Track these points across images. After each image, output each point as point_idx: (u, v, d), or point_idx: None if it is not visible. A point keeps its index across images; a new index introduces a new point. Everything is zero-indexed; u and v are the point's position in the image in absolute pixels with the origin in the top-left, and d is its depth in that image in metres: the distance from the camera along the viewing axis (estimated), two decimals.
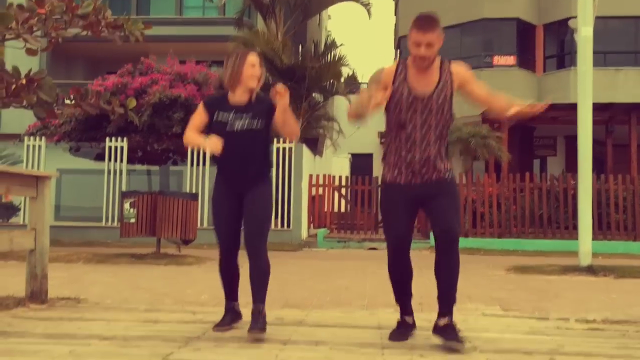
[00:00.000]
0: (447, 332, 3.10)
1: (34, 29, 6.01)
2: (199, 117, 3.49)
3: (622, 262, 8.78)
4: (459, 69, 3.25)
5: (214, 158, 3.47)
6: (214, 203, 3.56)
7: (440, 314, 3.19)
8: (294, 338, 3.35)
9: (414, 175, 3.19)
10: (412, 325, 3.40)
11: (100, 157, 14.29)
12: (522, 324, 3.96)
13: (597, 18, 15.84)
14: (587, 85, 7.68)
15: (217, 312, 3.84)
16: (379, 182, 14.01)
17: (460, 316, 4.15)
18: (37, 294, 4.46)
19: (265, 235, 3.48)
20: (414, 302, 3.46)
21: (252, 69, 3.39)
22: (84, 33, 6.05)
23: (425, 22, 3.09)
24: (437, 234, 3.16)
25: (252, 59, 3.42)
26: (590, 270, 7.36)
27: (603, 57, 18.04)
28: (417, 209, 3.36)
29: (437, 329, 3.18)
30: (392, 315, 3.99)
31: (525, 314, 4.46)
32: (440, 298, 3.22)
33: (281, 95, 3.23)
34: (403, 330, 3.35)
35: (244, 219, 3.47)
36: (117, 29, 6.02)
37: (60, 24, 5.86)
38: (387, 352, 3.04)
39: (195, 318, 3.93)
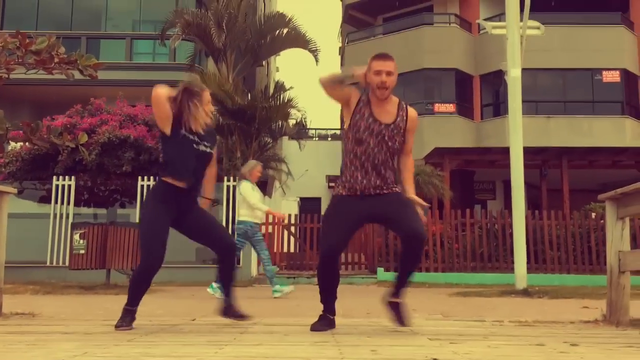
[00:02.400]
0: (398, 308, 3.53)
1: None
2: (166, 109, 3.62)
3: (556, 289, 9.29)
4: (413, 116, 3.63)
5: (165, 168, 3.71)
6: (149, 215, 3.66)
7: (395, 294, 3.57)
8: (250, 330, 3.56)
9: (366, 187, 3.49)
10: (332, 322, 3.67)
11: (44, 200, 14.07)
12: (461, 323, 4.29)
13: (529, 70, 17.03)
14: (517, 121, 8.34)
15: (174, 320, 4.01)
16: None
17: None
18: None
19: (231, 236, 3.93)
20: (363, 312, 3.77)
21: (208, 106, 3.72)
22: (36, 71, 6.23)
23: (384, 54, 3.55)
24: (407, 238, 3.44)
25: (208, 96, 3.75)
26: (526, 292, 7.82)
27: (535, 106, 19.31)
28: (361, 225, 3.70)
29: (390, 304, 3.56)
30: (342, 320, 4.27)
31: (464, 319, 4.79)
32: (400, 281, 3.58)
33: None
34: (324, 322, 3.63)
35: (203, 230, 3.79)
36: (70, 65, 6.23)
37: (12, 60, 6.03)
38: (338, 336, 3.29)
39: (152, 323, 4.08)
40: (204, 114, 3.70)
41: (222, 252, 3.77)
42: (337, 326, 3.81)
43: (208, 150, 3.75)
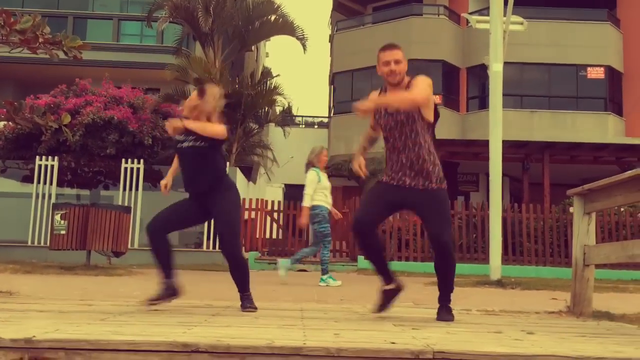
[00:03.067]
0: (441, 312, 3.71)
1: None
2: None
3: (531, 280, 9.49)
4: (416, 79, 3.61)
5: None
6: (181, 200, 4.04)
7: (439, 300, 3.77)
8: (222, 313, 3.67)
9: (403, 179, 3.61)
10: (396, 290, 3.82)
11: (27, 180, 14.03)
12: (428, 311, 4.42)
13: (515, 64, 17.16)
14: (497, 115, 8.47)
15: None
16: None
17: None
18: None
19: (238, 235, 3.96)
20: (338, 299, 3.89)
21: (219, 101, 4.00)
22: (20, 49, 6.23)
23: (390, 44, 3.68)
24: (431, 241, 3.67)
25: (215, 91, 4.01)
26: (500, 283, 8.00)
27: (520, 100, 19.51)
28: (396, 210, 3.92)
29: (437, 312, 3.75)
30: (314, 305, 4.38)
31: (433, 307, 4.93)
32: (440, 288, 3.77)
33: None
34: (388, 297, 3.80)
35: (216, 225, 3.95)
36: (54, 46, 6.23)
37: None
38: (306, 320, 3.40)
39: (128, 304, 4.16)
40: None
41: (222, 247, 3.95)
42: (307, 310, 3.92)
43: (192, 144, 3.86)
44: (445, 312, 3.69)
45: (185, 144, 3.90)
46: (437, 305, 3.77)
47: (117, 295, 5.13)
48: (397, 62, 3.57)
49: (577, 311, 4.49)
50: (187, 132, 3.87)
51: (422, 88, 3.49)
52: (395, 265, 12.61)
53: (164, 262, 3.91)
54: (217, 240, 3.98)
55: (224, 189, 3.92)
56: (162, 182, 4.17)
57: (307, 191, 7.64)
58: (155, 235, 3.87)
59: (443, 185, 3.68)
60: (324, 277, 7.76)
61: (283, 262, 7.93)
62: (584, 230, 4.62)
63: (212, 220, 4.00)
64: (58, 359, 2.28)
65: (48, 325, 2.76)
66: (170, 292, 3.89)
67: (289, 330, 2.84)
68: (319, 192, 7.70)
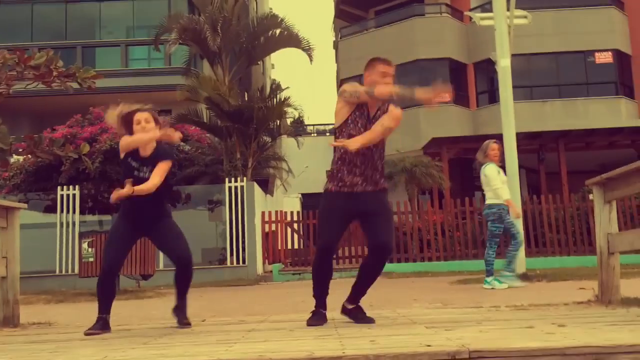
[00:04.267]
0: (358, 313, 3.81)
1: None
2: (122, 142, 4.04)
3: (556, 271, 9.49)
4: (392, 108, 3.77)
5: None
6: (115, 229, 4.11)
7: (351, 301, 3.85)
8: (257, 328, 3.76)
9: (355, 185, 3.72)
10: (325, 316, 3.88)
11: (49, 209, 14.29)
12: (458, 310, 4.49)
13: (522, 55, 17.15)
14: (509, 110, 8.52)
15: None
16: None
17: (404, 310, 4.67)
18: (9, 319, 4.70)
19: (189, 250, 4.10)
20: (367, 305, 3.99)
21: (137, 126, 3.94)
22: (35, 85, 6.40)
23: (386, 59, 3.81)
24: (373, 247, 3.74)
25: (138, 117, 3.98)
26: (525, 276, 8.01)
27: (530, 91, 19.47)
28: (351, 221, 3.93)
29: (346, 310, 3.85)
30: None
31: (462, 306, 4.99)
32: (357, 290, 3.85)
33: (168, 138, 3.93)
34: (317, 317, 3.84)
35: (167, 246, 4.09)
36: (68, 78, 6.40)
37: (12, 76, 6.20)
38: (340, 329, 3.49)
39: (165, 325, 4.28)
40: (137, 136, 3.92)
41: (179, 266, 4.04)
42: (340, 320, 4.00)
43: (147, 175, 3.92)
44: (362, 315, 3.82)
45: (141, 175, 3.93)
46: (352, 307, 3.88)
47: (151, 318, 5.25)
48: (392, 75, 3.73)
49: (606, 299, 4.53)
50: (143, 161, 3.94)
51: (398, 118, 3.71)
52: (418, 267, 12.68)
53: (110, 299, 4.05)
54: (170, 253, 4.07)
55: (166, 215, 4.10)
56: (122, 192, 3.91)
57: (497, 185, 7.09)
58: (110, 276, 4.00)
59: (386, 185, 3.88)
60: (489, 279, 7.23)
61: (504, 277, 7.23)
62: (605, 219, 4.66)
63: (162, 237, 4.05)
64: None
65: (95, 352, 2.87)
66: (105, 326, 3.97)
67: (326, 341, 2.93)
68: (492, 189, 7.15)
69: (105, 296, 4.02)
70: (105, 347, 3.15)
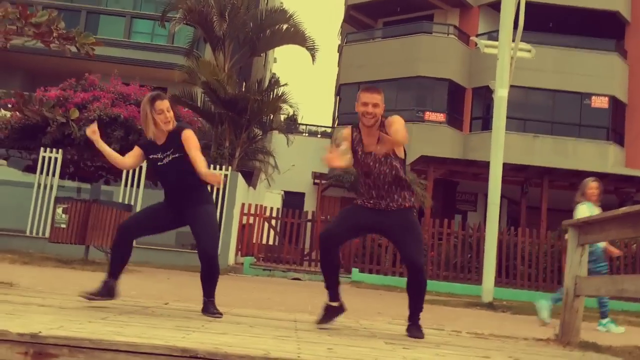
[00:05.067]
0: (411, 329, 3.89)
1: None
2: (136, 150, 4.02)
3: (523, 304, 9.57)
4: (390, 119, 3.84)
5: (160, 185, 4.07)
6: (154, 204, 4.07)
7: (409, 319, 3.95)
8: (218, 320, 3.75)
9: (376, 202, 3.83)
10: (339, 308, 3.92)
11: (29, 169, 14.13)
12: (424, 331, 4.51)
13: (520, 88, 17.29)
14: (499, 139, 8.59)
15: (147, 302, 4.19)
16: (309, 217, 14.54)
17: (367, 322, 4.68)
18: None
19: (218, 240, 4.06)
20: None
21: (161, 115, 3.87)
22: (34, 42, 6.33)
23: (372, 87, 3.87)
24: (406, 265, 3.87)
25: (161, 105, 3.87)
26: (491, 306, 8.08)
27: (523, 124, 19.65)
28: (368, 231, 4.04)
29: (407, 329, 3.93)
30: (308, 316, 4.47)
31: (424, 326, 5.01)
32: (409, 306, 3.95)
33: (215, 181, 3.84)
34: (329, 313, 3.89)
35: (198, 232, 3.92)
36: (68, 41, 6.34)
37: (11, 30, 6.14)
38: (300, 332, 3.49)
39: (126, 303, 4.25)
40: (160, 123, 3.88)
41: (201, 259, 3.92)
42: (303, 322, 4.01)
43: (171, 158, 3.88)
44: (416, 330, 3.87)
45: (165, 160, 3.90)
46: (409, 323, 3.94)
47: None
48: (374, 105, 3.75)
49: (565, 340, 4.58)
50: (163, 148, 3.91)
51: (403, 129, 3.69)
52: (387, 280, 12.71)
53: (119, 264, 3.93)
54: (197, 246, 3.94)
55: (204, 201, 3.97)
56: (95, 137, 3.95)
57: None
58: (123, 237, 3.89)
59: (413, 204, 3.92)
60: (604, 321, 6.81)
61: (543, 303, 6.95)
62: (576, 261, 4.72)
63: (191, 227, 3.95)
64: (61, 355, 2.37)
65: (51, 321, 2.85)
66: (109, 292, 3.88)
67: (284, 342, 2.93)
68: None
69: (115, 259, 3.93)
70: (63, 316, 3.12)
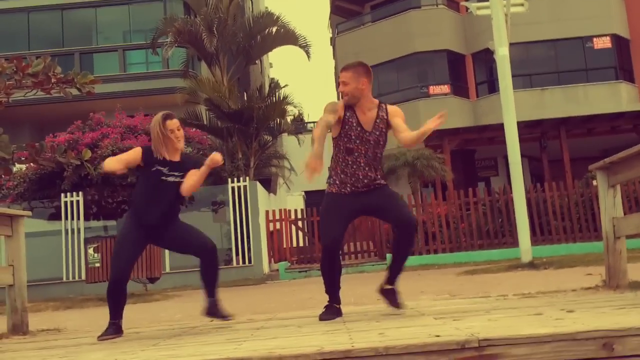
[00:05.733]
0: (391, 295, 3.79)
1: None
2: (133, 156, 3.93)
3: (562, 258, 9.48)
4: (393, 109, 3.88)
5: (136, 200, 4.02)
6: (124, 235, 3.99)
7: (388, 281, 3.81)
8: (265, 326, 3.76)
9: (353, 185, 3.76)
10: (339, 311, 3.86)
11: (54, 217, 14.31)
12: (466, 301, 4.49)
13: (519, 44, 17.09)
14: (509, 99, 8.50)
15: (194, 323, 4.22)
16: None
17: (412, 302, 4.66)
18: (18, 327, 4.71)
19: (211, 241, 4.05)
20: (374, 299, 3.98)
21: (172, 134, 3.91)
22: (34, 92, 6.40)
23: (346, 65, 3.80)
24: (399, 226, 3.74)
25: (172, 125, 3.92)
26: (532, 265, 8.01)
27: (529, 79, 19.42)
28: (355, 217, 3.96)
29: (382, 291, 3.83)
30: (353, 308, 4.46)
31: (470, 296, 4.99)
32: (393, 269, 3.84)
33: (215, 164, 3.86)
34: (331, 311, 3.82)
35: (182, 245, 4.01)
36: (67, 84, 6.40)
37: (10, 84, 6.21)
38: (349, 323, 3.49)
39: (173, 327, 4.28)
40: (173, 141, 3.91)
41: (204, 256, 3.94)
42: (349, 314, 4.01)
43: (178, 179, 3.92)
44: (394, 297, 3.81)
45: (170, 179, 3.90)
46: (390, 286, 3.83)
47: (160, 320, 5.25)
48: (343, 83, 3.73)
49: (614, 284, 4.52)
50: (172, 166, 3.92)
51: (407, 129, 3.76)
52: (424, 260, 12.67)
53: (120, 305, 3.97)
54: (190, 249, 4.00)
55: (175, 219, 4.05)
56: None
57: None
58: (119, 284, 3.89)
59: (383, 181, 3.88)
60: None
61: None
62: (610, 204, 4.64)
63: (175, 243, 4.01)
64: None
65: (105, 356, 2.88)
66: (118, 330, 3.93)
67: (335, 335, 2.93)
68: None
69: (116, 303, 3.95)
70: (114, 349, 3.15)
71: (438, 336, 2.55)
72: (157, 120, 3.92)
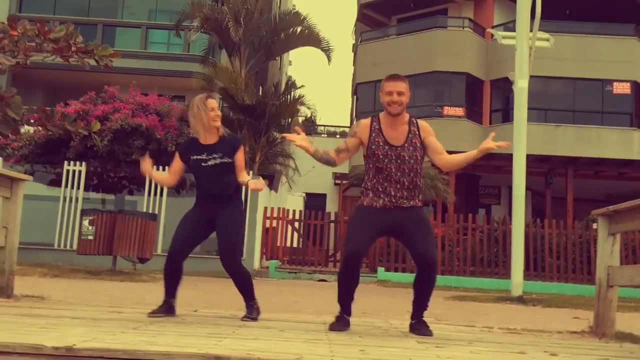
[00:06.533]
0: (419, 326, 3.79)
1: (5, 49, 6.34)
2: (176, 164, 4.09)
3: (552, 297, 9.44)
4: (424, 125, 3.84)
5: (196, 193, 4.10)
6: (185, 215, 4.07)
7: (413, 317, 3.85)
8: (248, 324, 3.75)
9: (388, 200, 3.70)
10: (348, 322, 3.82)
11: (54, 183, 14.32)
12: (451, 327, 4.47)
13: (540, 77, 17.07)
14: (521, 131, 8.48)
15: (177, 311, 4.21)
16: (331, 218, 14.52)
17: (397, 321, 4.65)
18: (3, 289, 4.70)
19: (240, 251, 4.11)
20: (359, 312, 3.95)
21: (213, 112, 3.98)
22: (53, 57, 6.42)
23: (396, 75, 3.77)
24: (417, 261, 3.71)
25: (212, 103, 4.02)
26: (521, 300, 7.98)
27: (544, 114, 19.39)
28: (381, 235, 3.93)
29: (411, 327, 3.83)
30: None
31: (455, 323, 4.97)
32: (414, 305, 3.86)
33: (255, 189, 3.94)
34: (341, 323, 3.79)
35: (219, 241, 3.99)
36: (86, 55, 6.42)
37: (31, 47, 6.23)
38: (331, 334, 3.47)
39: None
40: (210, 119, 3.95)
41: (223, 260, 3.97)
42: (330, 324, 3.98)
43: (219, 161, 3.94)
44: (424, 326, 3.80)
45: (210, 162, 3.94)
46: (413, 321, 3.86)
47: (144, 303, 5.24)
48: (399, 93, 3.66)
49: (600, 332, 4.49)
50: (210, 149, 3.96)
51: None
52: (410, 278, 12.63)
53: (174, 285, 4.02)
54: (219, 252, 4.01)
55: (234, 206, 4.02)
56: (149, 170, 4.04)
57: None
58: (174, 262, 3.94)
59: (422, 203, 3.84)
60: None
61: None
62: (608, 251, 4.62)
63: (218, 232, 4.01)
64: None
65: (84, 333, 2.87)
66: (170, 310, 4.00)
67: (316, 345, 2.92)
68: None
69: (169, 281, 3.99)
70: (95, 328, 3.15)
71: None
72: (200, 99, 4.02)
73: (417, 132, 3.73)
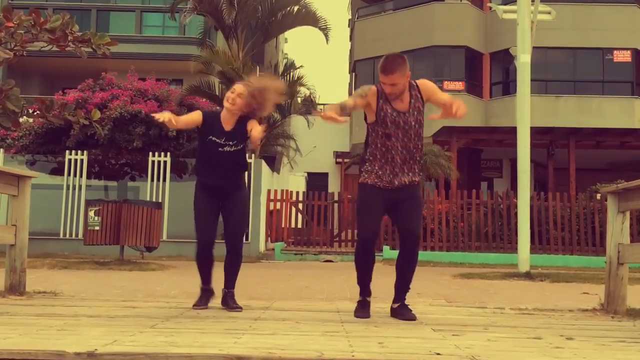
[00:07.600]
0: (402, 311, 3.79)
1: (2, 41, 6.27)
2: (195, 118, 4.03)
3: (559, 271, 9.49)
4: (423, 83, 3.84)
5: (199, 167, 4.11)
6: (198, 201, 4.08)
7: (396, 300, 3.85)
8: (263, 317, 3.77)
9: (393, 179, 3.74)
10: (369, 306, 3.92)
11: (55, 172, 14.31)
12: (463, 310, 4.49)
13: (539, 48, 16.93)
14: (525, 107, 8.43)
15: (189, 302, 4.23)
16: (334, 198, 14.53)
17: (410, 305, 4.67)
18: (15, 287, 4.72)
19: (243, 234, 4.21)
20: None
21: (232, 94, 3.96)
22: (49, 47, 6.34)
23: (387, 66, 3.65)
24: (401, 234, 3.80)
25: (236, 87, 4.02)
26: (529, 275, 8.01)
27: (545, 85, 19.27)
28: (387, 211, 3.92)
29: (393, 311, 3.84)
30: (349, 304, 4.47)
31: (466, 305, 4.99)
32: (396, 286, 3.86)
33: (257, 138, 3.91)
34: (366, 308, 3.88)
35: (225, 221, 4.08)
36: (83, 44, 6.34)
37: (27, 37, 6.15)
38: (347, 325, 3.49)
39: (169, 305, 4.29)
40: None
41: (228, 243, 4.07)
42: (346, 311, 4.01)
43: (233, 148, 3.96)
44: (407, 310, 3.82)
45: (226, 149, 3.97)
46: (395, 305, 3.87)
47: (156, 295, 5.27)
48: (392, 85, 3.66)
49: (611, 309, 4.51)
50: (228, 135, 3.96)
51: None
52: (420, 256, 12.64)
53: (209, 271, 4.12)
54: (225, 231, 4.09)
55: (242, 187, 4.16)
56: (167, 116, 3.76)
57: None
58: (206, 250, 4.02)
59: (420, 179, 3.89)
60: None
61: None
62: (618, 229, 4.62)
63: (224, 212, 4.08)
64: None
65: (104, 334, 2.88)
66: (209, 295, 4.17)
67: (334, 339, 2.93)
68: None
69: (204, 268, 4.09)
70: (112, 327, 3.16)
71: (438, 354, 2.55)
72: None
73: (419, 96, 3.77)
